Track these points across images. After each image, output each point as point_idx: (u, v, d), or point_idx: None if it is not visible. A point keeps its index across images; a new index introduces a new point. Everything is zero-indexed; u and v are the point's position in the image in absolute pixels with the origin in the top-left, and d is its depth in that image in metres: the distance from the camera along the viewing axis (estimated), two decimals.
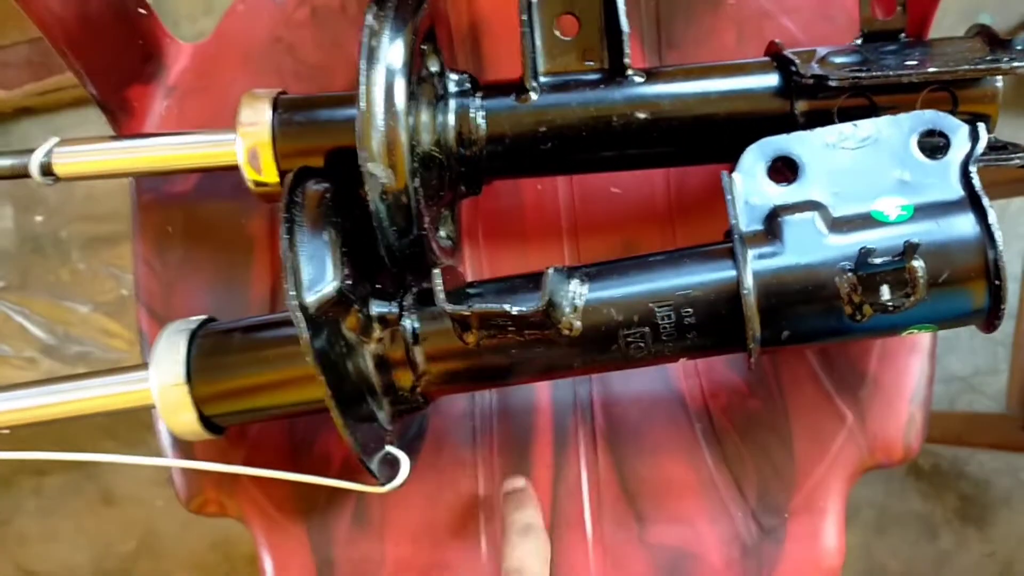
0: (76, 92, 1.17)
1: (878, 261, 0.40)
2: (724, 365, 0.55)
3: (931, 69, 0.45)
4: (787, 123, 0.49)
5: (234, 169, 0.53)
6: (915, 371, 0.52)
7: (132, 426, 1.09)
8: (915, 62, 0.46)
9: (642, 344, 0.44)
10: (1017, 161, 0.46)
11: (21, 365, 1.01)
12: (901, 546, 1.01)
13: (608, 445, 0.54)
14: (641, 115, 0.49)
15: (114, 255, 1.01)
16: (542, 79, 0.50)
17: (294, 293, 0.42)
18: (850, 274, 0.41)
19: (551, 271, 0.42)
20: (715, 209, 0.56)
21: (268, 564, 0.54)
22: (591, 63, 0.51)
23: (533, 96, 0.50)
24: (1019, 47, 0.46)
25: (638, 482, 0.53)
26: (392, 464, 0.47)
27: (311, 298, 0.43)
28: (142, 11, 0.57)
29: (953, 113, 0.47)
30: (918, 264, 0.40)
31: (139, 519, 1.10)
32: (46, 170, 0.54)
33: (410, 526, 0.54)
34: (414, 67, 0.47)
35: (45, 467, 1.12)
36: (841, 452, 0.51)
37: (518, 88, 0.50)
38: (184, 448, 0.55)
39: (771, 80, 0.49)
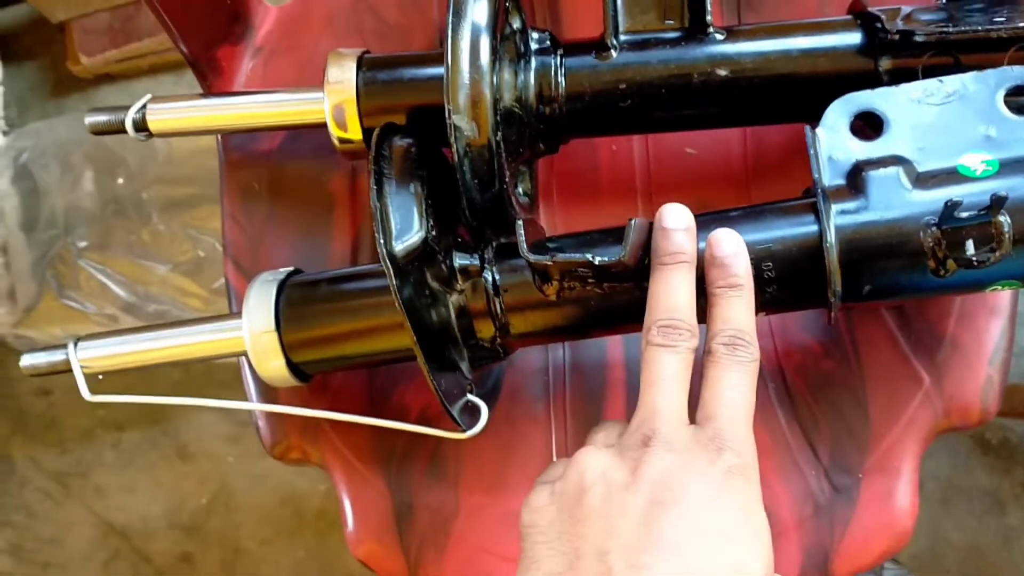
0: (153, 59, 1.20)
1: (963, 215, 0.40)
2: (798, 326, 0.55)
3: (1021, 24, 0.45)
4: (870, 81, 0.48)
5: (319, 127, 0.54)
6: (995, 333, 0.52)
7: (206, 384, 1.13)
8: (1003, 18, 0.46)
9: None
10: None
11: (102, 322, 1.05)
12: (967, 520, 1.00)
13: None
14: (722, 72, 0.50)
15: (192, 217, 1.05)
16: (622, 37, 0.51)
17: (383, 241, 0.43)
18: (934, 228, 0.41)
19: (634, 221, 0.43)
20: (792, 172, 0.57)
21: (348, 508, 0.55)
22: (671, 22, 0.51)
23: (613, 54, 0.50)
24: None
25: None
26: (472, 412, 0.49)
27: (399, 247, 0.44)
28: None
29: None
30: (1004, 219, 0.40)
31: (212, 474, 1.13)
32: (139, 126, 0.57)
33: (484, 476, 0.55)
34: (498, 24, 0.48)
35: (124, 422, 1.16)
36: (917, 413, 0.51)
37: (598, 46, 0.51)
38: (269, 398, 0.57)
39: (855, 38, 0.49)
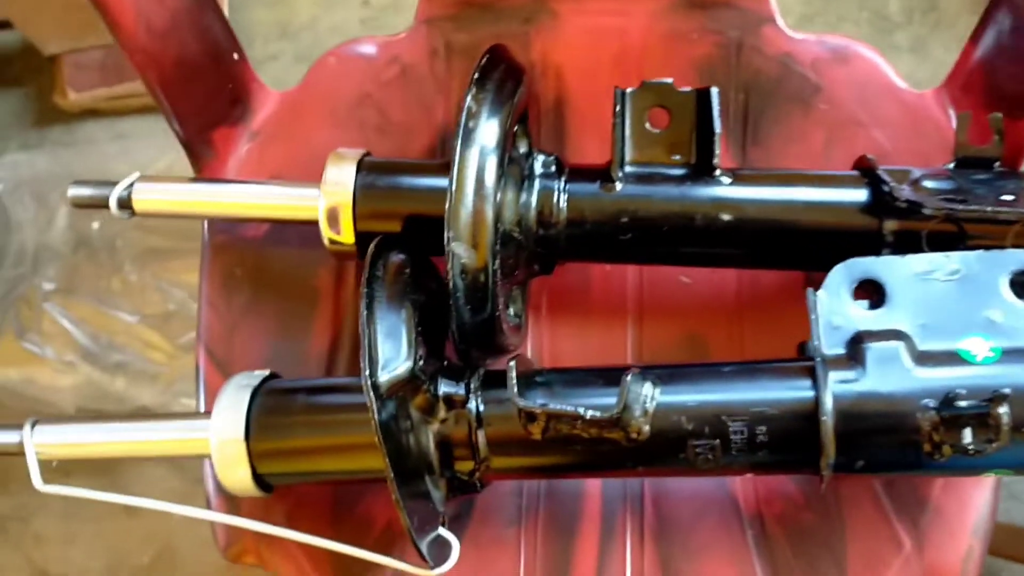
0: (143, 100, 1.18)
1: (963, 404, 0.39)
2: None
3: None
4: (873, 240, 0.48)
5: (310, 223, 0.53)
6: (979, 503, 0.51)
7: None
8: (1011, 197, 0.46)
9: (710, 456, 0.43)
10: None
11: (59, 368, 1.02)
12: None
13: (656, 541, 0.53)
14: (725, 217, 0.49)
15: (164, 268, 1.02)
16: (628, 169, 0.50)
17: (369, 371, 0.42)
18: (933, 412, 0.40)
19: (630, 377, 0.42)
20: (786, 312, 0.56)
21: None
22: (678, 157, 0.50)
23: (618, 186, 0.50)
24: None
25: None
26: (441, 544, 0.47)
27: (384, 377, 0.42)
28: (235, 55, 0.58)
29: None
30: (1003, 411, 0.39)
31: (158, 532, 1.09)
32: (124, 204, 0.55)
33: None
34: (506, 148, 0.47)
35: (72, 469, 1.11)
36: None
37: (603, 175, 0.50)
38: (229, 496, 0.55)
39: (860, 195, 0.49)
